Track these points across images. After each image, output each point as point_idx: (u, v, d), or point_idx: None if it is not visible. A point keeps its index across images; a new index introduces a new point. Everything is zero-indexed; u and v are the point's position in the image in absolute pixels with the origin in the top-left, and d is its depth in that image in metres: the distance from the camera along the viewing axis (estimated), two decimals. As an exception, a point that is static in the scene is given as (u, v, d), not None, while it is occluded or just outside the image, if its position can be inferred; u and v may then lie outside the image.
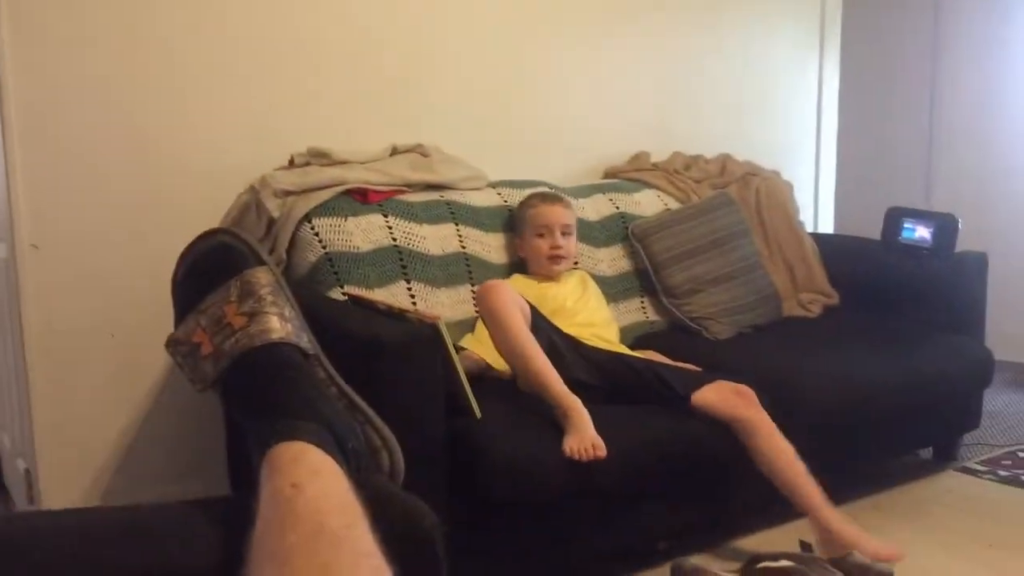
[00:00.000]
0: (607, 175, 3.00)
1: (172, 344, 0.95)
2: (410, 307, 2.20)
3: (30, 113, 2.04)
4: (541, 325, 2.04)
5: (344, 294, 2.11)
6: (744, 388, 2.02)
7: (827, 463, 2.32)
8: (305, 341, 0.97)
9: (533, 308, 2.05)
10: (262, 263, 0.98)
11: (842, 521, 1.94)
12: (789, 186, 3.12)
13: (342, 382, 0.99)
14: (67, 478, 2.17)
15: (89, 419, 2.18)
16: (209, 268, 0.96)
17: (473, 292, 2.39)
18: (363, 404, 0.98)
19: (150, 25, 2.18)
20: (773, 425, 2.00)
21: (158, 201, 2.22)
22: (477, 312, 2.35)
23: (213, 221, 2.25)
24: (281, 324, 0.93)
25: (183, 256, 0.99)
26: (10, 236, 2.08)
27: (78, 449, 2.18)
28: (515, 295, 1.99)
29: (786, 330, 2.67)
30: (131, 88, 2.17)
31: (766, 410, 2.03)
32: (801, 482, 1.96)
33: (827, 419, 2.24)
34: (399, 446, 0.99)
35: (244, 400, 0.90)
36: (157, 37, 2.19)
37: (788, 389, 2.17)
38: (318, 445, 0.82)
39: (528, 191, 2.56)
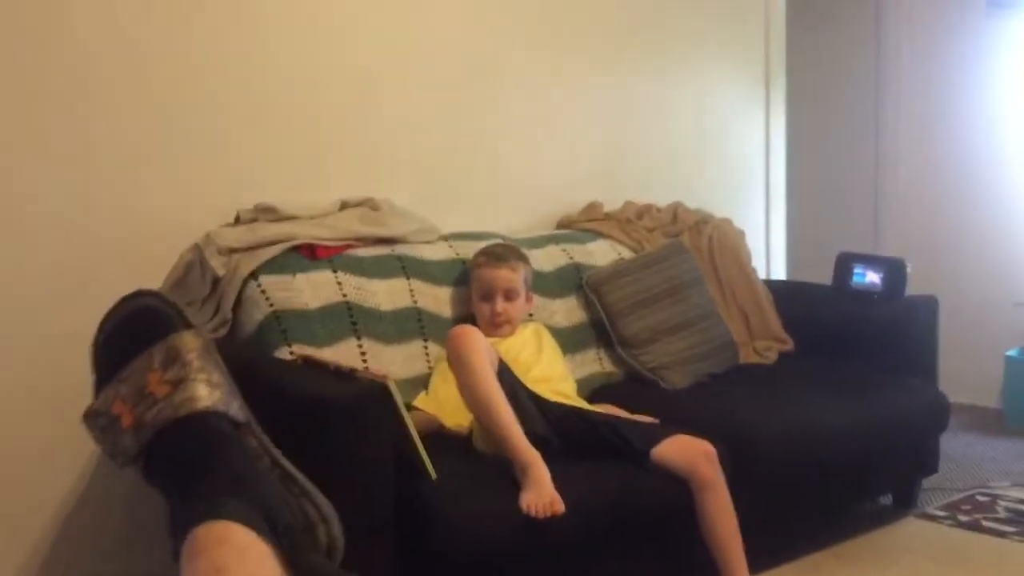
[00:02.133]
0: (560, 225, 3.00)
1: (90, 416, 0.89)
2: (359, 366, 2.14)
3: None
4: (505, 376, 2.00)
5: (294, 355, 2.05)
6: (706, 445, 1.99)
7: (786, 512, 2.31)
8: (235, 409, 0.92)
9: (500, 358, 2.01)
10: (189, 327, 0.93)
11: None
12: (741, 233, 3.14)
13: (276, 452, 0.94)
14: (3, 557, 2.05)
15: (22, 494, 2.07)
16: (131, 333, 0.90)
17: (426, 348, 2.34)
18: (299, 475, 0.93)
19: (89, 78, 2.12)
20: (726, 488, 1.99)
21: (95, 262, 2.13)
22: (427, 364, 2.31)
23: (155, 282, 2.18)
24: (208, 392, 0.88)
25: (104, 321, 0.94)
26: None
27: (10, 526, 2.07)
28: (485, 341, 1.96)
29: (743, 378, 2.65)
30: (67, 143, 2.10)
31: (725, 463, 2.00)
32: (734, 554, 1.98)
33: (785, 467, 2.22)
34: (338, 518, 0.94)
35: (166, 476, 0.84)
36: (96, 89, 2.13)
37: (746, 438, 2.15)
38: (246, 524, 0.76)
39: (481, 243, 2.53)
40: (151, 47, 2.21)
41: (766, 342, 2.90)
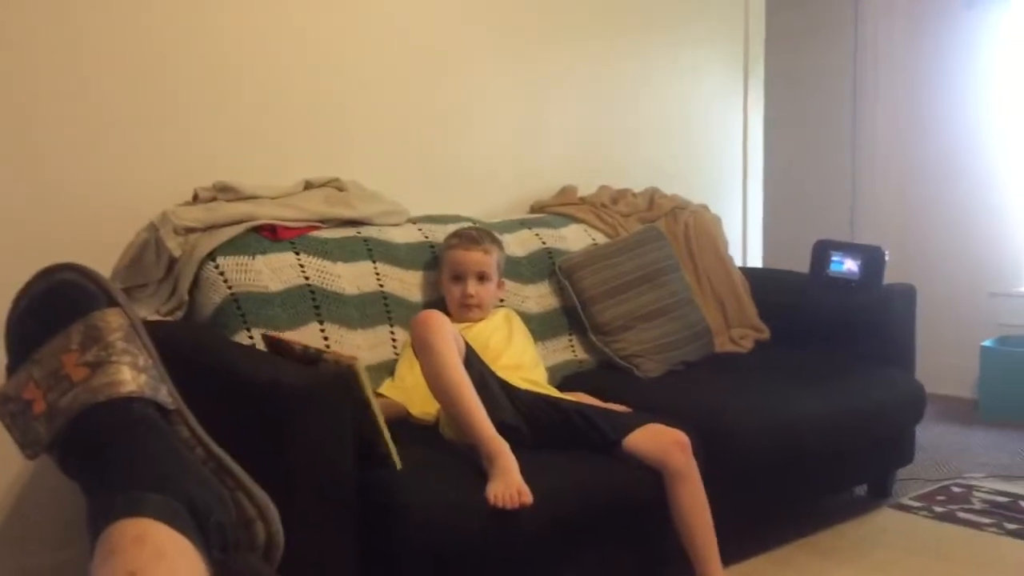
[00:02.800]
0: (533, 209, 2.92)
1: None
2: (326, 348, 2.06)
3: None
4: (473, 362, 1.94)
5: (257, 338, 1.97)
6: (679, 434, 1.94)
7: (760, 503, 2.26)
8: (164, 395, 0.83)
9: (467, 344, 1.94)
10: (114, 304, 0.85)
11: None
12: (717, 220, 3.08)
13: (210, 442, 0.85)
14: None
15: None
16: (47, 310, 0.82)
17: (392, 333, 2.26)
18: (235, 467, 0.85)
19: (39, 48, 2.02)
20: (699, 478, 1.93)
21: (47, 241, 2.02)
22: (394, 350, 2.24)
23: (108, 262, 2.09)
24: (133, 375, 0.79)
25: (18, 296, 0.85)
26: None
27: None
28: (451, 326, 1.89)
29: (718, 367, 2.60)
30: (17, 117, 2.00)
31: (699, 453, 1.95)
32: (707, 545, 1.92)
33: (760, 458, 2.17)
34: (278, 514, 0.86)
35: (83, 468, 0.76)
36: (48, 65, 2.03)
37: (720, 428, 2.10)
38: (168, 522, 0.68)
39: (451, 227, 2.46)
40: (109, 24, 2.11)
41: (742, 330, 2.85)
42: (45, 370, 0.78)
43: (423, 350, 1.85)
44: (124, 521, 0.67)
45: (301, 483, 1.54)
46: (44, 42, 2.03)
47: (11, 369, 0.83)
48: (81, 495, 1.77)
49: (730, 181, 3.63)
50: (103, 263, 2.04)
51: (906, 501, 2.66)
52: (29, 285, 0.85)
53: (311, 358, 1.69)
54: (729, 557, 1.98)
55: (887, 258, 2.75)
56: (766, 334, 2.85)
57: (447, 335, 1.86)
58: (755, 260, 3.70)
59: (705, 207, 3.11)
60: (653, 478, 1.92)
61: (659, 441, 1.94)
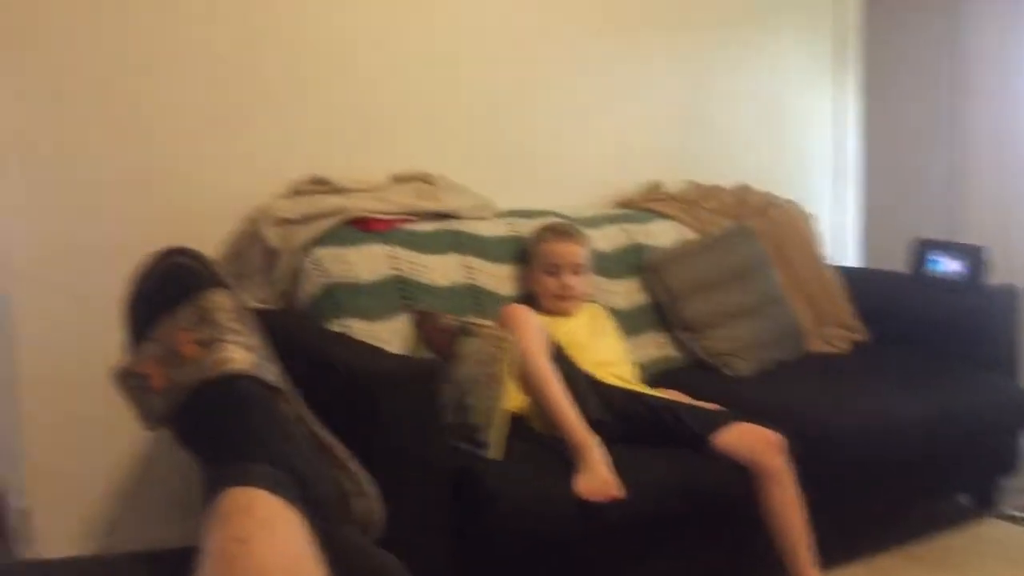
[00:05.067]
0: (620, 205, 2.90)
1: (120, 376, 0.85)
2: (484, 321, 2.07)
3: (21, 143, 1.97)
4: (561, 358, 1.95)
5: (413, 311, 2.02)
6: (771, 434, 1.90)
7: (857, 508, 2.20)
8: (271, 374, 0.87)
9: (554, 340, 1.95)
10: (223, 286, 0.88)
11: None
12: (808, 216, 3.01)
13: (313, 421, 0.88)
14: (62, 518, 2.07)
15: (84, 458, 2.08)
16: (161, 291, 0.86)
17: (481, 325, 2.29)
18: (337, 445, 0.87)
19: (141, 51, 2.11)
20: (792, 479, 1.89)
21: (155, 235, 2.08)
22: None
23: (211, 253, 2.17)
24: (242, 354, 0.83)
25: (135, 278, 0.90)
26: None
27: (73, 489, 2.08)
28: (538, 320, 1.90)
29: (811, 367, 2.54)
30: (127, 117, 2.10)
31: (793, 454, 1.90)
32: (801, 546, 1.88)
33: (856, 461, 2.11)
34: (377, 492, 0.88)
35: (195, 440, 0.80)
36: (149, 64, 2.12)
37: (815, 430, 2.04)
38: (274, 492, 0.71)
39: (538, 221, 2.47)
40: (207, 20, 2.19)
41: (835, 330, 2.78)
42: (161, 347, 0.82)
43: None
44: (234, 490, 0.70)
45: (395, 468, 1.56)
46: (153, 43, 2.12)
47: (128, 346, 0.87)
48: (187, 476, 1.84)
49: (821, 178, 3.54)
50: (208, 253, 2.12)
51: (1010, 511, 2.55)
52: (144, 267, 0.90)
53: (461, 331, 1.72)
54: (826, 563, 1.93)
55: (989, 258, 2.64)
56: (861, 334, 2.77)
57: (534, 328, 1.87)
58: (852, 259, 3.59)
59: (795, 203, 3.04)
60: (742, 477, 1.89)
61: (750, 440, 1.91)
